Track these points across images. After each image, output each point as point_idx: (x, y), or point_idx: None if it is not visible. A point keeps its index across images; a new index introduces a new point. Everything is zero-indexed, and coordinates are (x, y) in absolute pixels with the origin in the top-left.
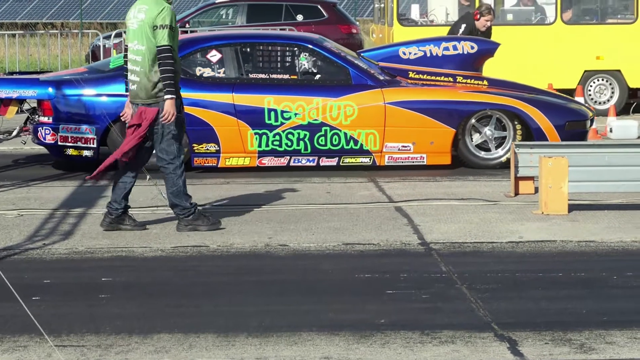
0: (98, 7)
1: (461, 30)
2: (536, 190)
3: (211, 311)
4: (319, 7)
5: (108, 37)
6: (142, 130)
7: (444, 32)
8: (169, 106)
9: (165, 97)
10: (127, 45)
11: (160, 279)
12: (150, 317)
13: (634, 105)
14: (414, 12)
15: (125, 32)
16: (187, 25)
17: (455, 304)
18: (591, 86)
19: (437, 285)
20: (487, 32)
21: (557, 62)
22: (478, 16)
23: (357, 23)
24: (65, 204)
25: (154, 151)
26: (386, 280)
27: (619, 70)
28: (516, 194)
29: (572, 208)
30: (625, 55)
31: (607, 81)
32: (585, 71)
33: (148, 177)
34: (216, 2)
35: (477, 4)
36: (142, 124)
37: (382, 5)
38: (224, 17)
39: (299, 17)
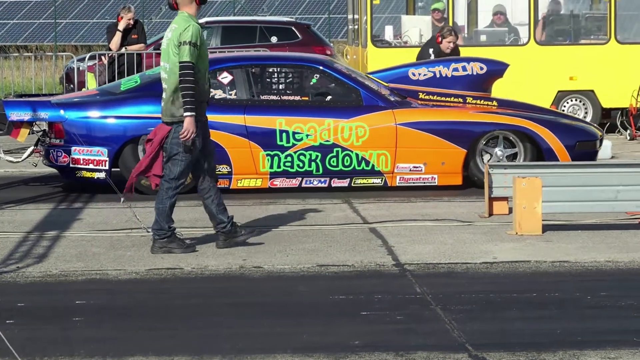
0: (72, 29)
1: (432, 56)
2: (510, 210)
3: (185, 334)
4: (293, 28)
5: (82, 60)
6: (155, 144)
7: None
8: (188, 124)
9: (185, 114)
10: None
11: (134, 301)
12: (124, 340)
13: (607, 125)
14: (388, 33)
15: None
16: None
17: (430, 325)
18: (565, 106)
19: (412, 306)
20: (454, 53)
21: (531, 83)
22: (440, 39)
23: (332, 45)
24: (39, 227)
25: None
26: (360, 302)
27: (592, 91)
28: (490, 214)
29: (546, 228)
30: (598, 76)
31: (580, 101)
32: (558, 91)
33: (122, 199)
34: None
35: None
36: (154, 139)
37: (356, 26)
38: None
39: (273, 39)
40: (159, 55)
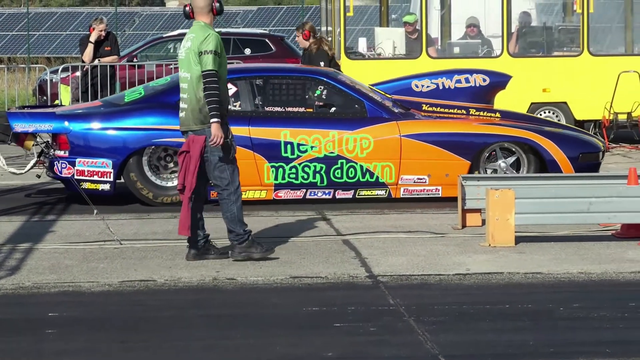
0: (45, 41)
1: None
2: (483, 222)
3: (158, 346)
4: (267, 40)
5: (55, 72)
6: (195, 160)
7: (392, 65)
8: (215, 130)
9: (212, 120)
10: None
11: (107, 313)
12: (97, 352)
13: None
14: (362, 45)
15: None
16: (135, 60)
17: (403, 337)
18: None
19: (385, 317)
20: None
21: (504, 94)
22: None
23: None
24: (12, 239)
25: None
26: (334, 313)
27: (565, 103)
28: (463, 226)
29: (518, 240)
30: (571, 88)
31: (553, 113)
32: (531, 103)
33: (95, 211)
34: (164, 36)
35: (424, 37)
36: (192, 152)
37: (330, 38)
38: (172, 50)
39: (247, 51)
40: (132, 67)
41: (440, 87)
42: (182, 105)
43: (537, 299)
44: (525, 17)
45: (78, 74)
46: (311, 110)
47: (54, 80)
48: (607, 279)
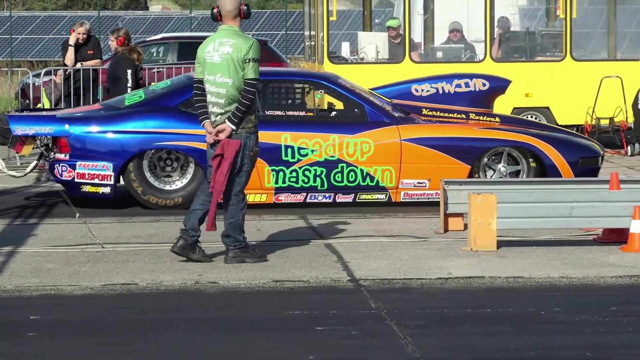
0: (28, 45)
1: (129, 77)
2: (465, 226)
3: (140, 349)
4: None
5: (38, 75)
6: (228, 163)
7: (374, 70)
8: (227, 130)
9: (231, 125)
10: (199, 79)
11: (89, 317)
12: (78, 356)
13: None
14: (345, 49)
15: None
16: None
17: (384, 340)
18: None
19: (366, 321)
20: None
21: None
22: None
23: (288, 61)
24: None
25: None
26: (315, 317)
27: (547, 107)
28: (446, 230)
29: (500, 244)
30: (554, 93)
31: (536, 118)
32: (514, 108)
33: (77, 215)
34: (147, 40)
35: (407, 42)
36: (226, 155)
37: (313, 43)
38: (154, 55)
39: None
40: None
41: (440, 92)
42: (214, 109)
43: (519, 303)
44: (508, 22)
45: (55, 78)
46: (311, 114)
47: (36, 84)
48: (589, 283)
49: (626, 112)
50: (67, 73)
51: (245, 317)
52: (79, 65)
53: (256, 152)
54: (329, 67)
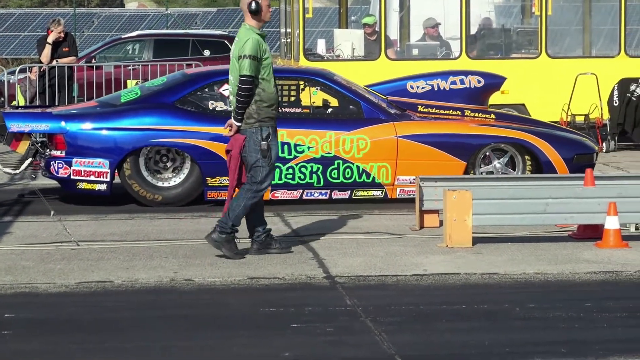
0: (3, 42)
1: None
2: (441, 223)
3: (116, 347)
4: (226, 42)
5: (12, 73)
6: (235, 158)
7: (350, 67)
8: (231, 122)
9: (234, 122)
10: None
11: (64, 315)
12: (54, 354)
13: None
14: (320, 47)
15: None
16: (93, 61)
17: (360, 337)
18: None
19: (342, 318)
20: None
21: None
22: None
23: None
24: None
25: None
26: (291, 314)
27: (523, 104)
28: (421, 227)
29: (476, 241)
30: (529, 90)
31: None
32: (490, 105)
33: (52, 212)
34: (122, 37)
35: (383, 39)
36: (233, 150)
37: (289, 40)
38: (130, 52)
39: (206, 53)
40: (90, 68)
41: (435, 89)
42: (231, 106)
43: (494, 300)
44: (484, 19)
45: (30, 75)
46: (308, 111)
47: (11, 81)
48: (564, 279)
49: (601, 108)
50: (42, 70)
51: (221, 314)
52: (54, 62)
53: (265, 147)
54: (305, 65)
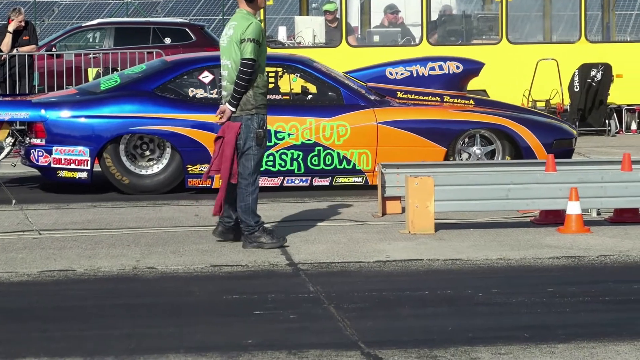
0: None
1: None
2: (403, 210)
3: (78, 335)
4: (187, 30)
5: None
6: (230, 146)
7: (311, 54)
8: (227, 112)
9: (230, 107)
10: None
11: (26, 303)
12: (16, 342)
13: None
14: (281, 34)
15: None
16: (53, 49)
17: (323, 324)
18: None
19: (305, 305)
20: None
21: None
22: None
23: None
24: None
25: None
26: (254, 301)
27: (484, 90)
28: (384, 214)
29: (438, 227)
30: (490, 76)
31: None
32: None
33: (14, 201)
34: (83, 25)
35: (344, 26)
36: (227, 138)
37: None
38: (91, 40)
39: (167, 40)
40: (51, 57)
41: (414, 75)
42: (223, 92)
43: (457, 285)
44: (444, 6)
45: None
46: (288, 97)
47: None
48: (526, 264)
49: (562, 94)
50: (2, 59)
51: (183, 302)
52: (15, 51)
53: (261, 134)
54: (282, 51)
